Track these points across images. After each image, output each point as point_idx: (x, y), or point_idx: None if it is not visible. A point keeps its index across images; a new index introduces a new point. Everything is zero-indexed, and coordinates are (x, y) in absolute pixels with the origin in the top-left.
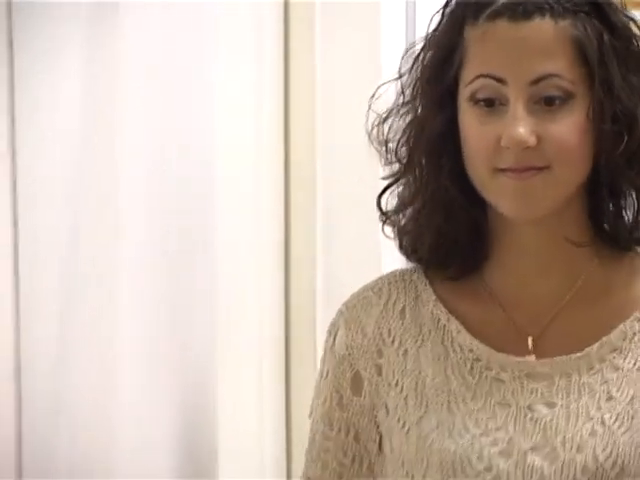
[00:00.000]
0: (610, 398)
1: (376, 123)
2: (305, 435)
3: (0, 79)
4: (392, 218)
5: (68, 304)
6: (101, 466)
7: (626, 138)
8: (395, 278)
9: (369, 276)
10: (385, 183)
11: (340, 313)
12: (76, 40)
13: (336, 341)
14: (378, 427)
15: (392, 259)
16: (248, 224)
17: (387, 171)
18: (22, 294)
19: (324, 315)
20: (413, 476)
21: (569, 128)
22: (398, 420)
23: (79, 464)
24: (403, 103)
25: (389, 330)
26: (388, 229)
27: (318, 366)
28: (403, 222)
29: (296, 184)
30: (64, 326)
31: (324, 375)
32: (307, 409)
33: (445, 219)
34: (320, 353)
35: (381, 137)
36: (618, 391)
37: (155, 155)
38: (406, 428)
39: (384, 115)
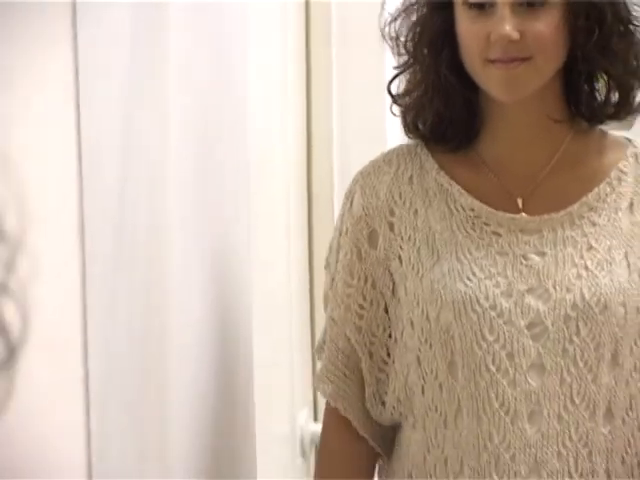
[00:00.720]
0: (590, 248)
1: (388, 21)
2: (322, 272)
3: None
4: (399, 100)
5: (125, 164)
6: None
7: (597, 32)
8: (402, 151)
9: (377, 152)
10: (388, 77)
11: (355, 181)
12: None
13: (353, 204)
14: (392, 275)
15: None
16: (275, 115)
17: (398, 62)
18: (84, 154)
19: (340, 188)
20: (428, 313)
21: (547, 25)
22: (412, 268)
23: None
24: (409, 5)
25: (400, 193)
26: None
27: (335, 224)
28: (408, 103)
29: (316, 97)
30: (124, 182)
31: (343, 232)
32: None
33: (444, 102)
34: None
35: (393, 33)
36: (597, 242)
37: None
38: (420, 274)
39: (394, 15)
